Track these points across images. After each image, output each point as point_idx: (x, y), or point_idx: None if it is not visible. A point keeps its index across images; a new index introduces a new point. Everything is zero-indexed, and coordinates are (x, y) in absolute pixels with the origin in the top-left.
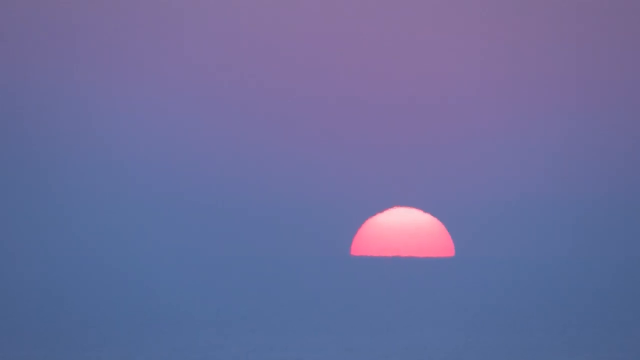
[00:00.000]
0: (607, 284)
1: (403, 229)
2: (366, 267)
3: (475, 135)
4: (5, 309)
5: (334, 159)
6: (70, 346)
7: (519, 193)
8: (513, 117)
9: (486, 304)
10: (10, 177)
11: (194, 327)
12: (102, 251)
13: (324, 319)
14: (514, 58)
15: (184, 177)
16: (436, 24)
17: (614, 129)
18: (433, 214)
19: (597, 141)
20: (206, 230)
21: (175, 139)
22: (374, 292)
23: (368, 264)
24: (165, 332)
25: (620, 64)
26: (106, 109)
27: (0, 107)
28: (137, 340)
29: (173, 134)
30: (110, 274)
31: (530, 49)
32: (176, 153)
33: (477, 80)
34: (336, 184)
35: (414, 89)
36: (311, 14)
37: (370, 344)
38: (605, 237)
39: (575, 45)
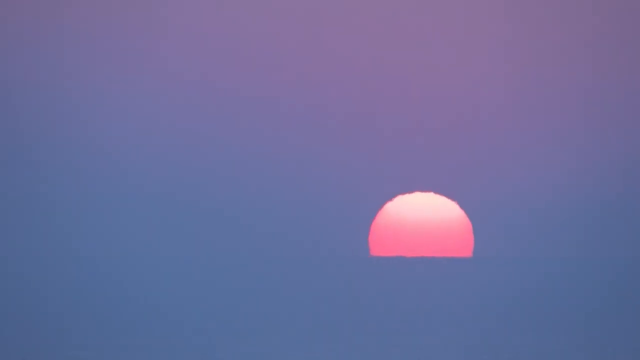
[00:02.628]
0: (635, 285)
1: (424, 222)
2: (387, 269)
3: (517, 127)
4: (4, 309)
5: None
6: (69, 348)
7: (555, 193)
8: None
9: (510, 306)
10: (7, 175)
11: (208, 330)
12: (108, 251)
13: (341, 323)
14: (557, 53)
15: (191, 177)
16: (469, 9)
17: None
18: (455, 201)
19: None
20: (209, 232)
21: (185, 137)
22: (403, 295)
23: (389, 265)
24: (178, 338)
25: None
26: (104, 107)
27: None
28: (150, 346)
29: (184, 132)
30: (128, 277)
31: (570, 47)
32: (185, 152)
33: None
34: (345, 173)
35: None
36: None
37: (393, 349)
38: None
39: (611, 47)
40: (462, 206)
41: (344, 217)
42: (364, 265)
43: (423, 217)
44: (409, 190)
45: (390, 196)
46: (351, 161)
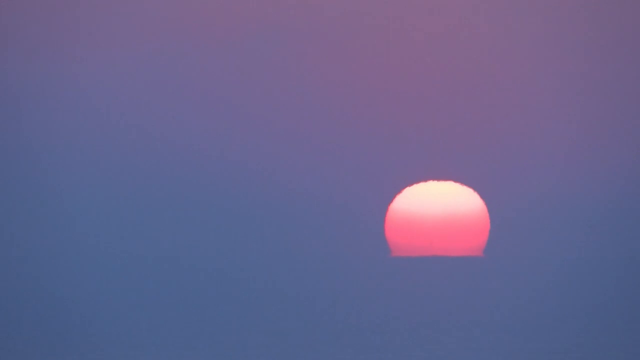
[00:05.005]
0: None
1: (442, 215)
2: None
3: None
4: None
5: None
6: (68, 349)
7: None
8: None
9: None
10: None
11: (222, 334)
12: (110, 250)
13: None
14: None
15: (201, 177)
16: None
17: None
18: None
19: None
20: (210, 233)
21: (195, 135)
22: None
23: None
24: (192, 341)
25: None
26: (105, 106)
27: None
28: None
29: (195, 131)
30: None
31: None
32: (196, 151)
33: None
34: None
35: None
36: None
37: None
38: None
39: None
40: (483, 197)
41: (357, 210)
42: (384, 267)
43: (441, 210)
44: (424, 179)
45: (404, 185)
46: (357, 152)
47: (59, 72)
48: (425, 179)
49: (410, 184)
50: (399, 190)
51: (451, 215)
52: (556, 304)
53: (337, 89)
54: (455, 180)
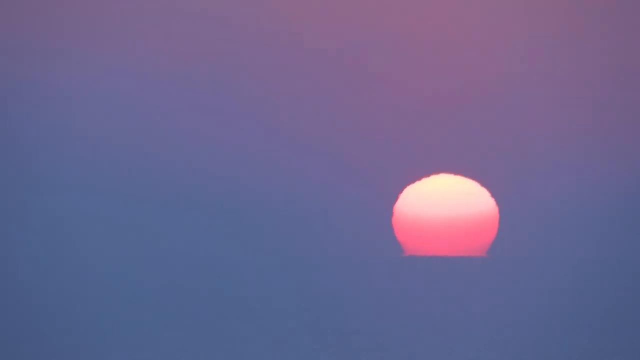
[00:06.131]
0: None
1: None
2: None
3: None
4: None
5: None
6: (68, 349)
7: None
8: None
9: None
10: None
11: (228, 335)
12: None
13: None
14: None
15: (206, 177)
16: None
17: None
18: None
19: None
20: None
21: (202, 134)
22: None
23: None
24: (200, 342)
25: None
26: (100, 105)
27: None
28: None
29: (199, 129)
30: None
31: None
32: (202, 150)
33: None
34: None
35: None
36: None
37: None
38: None
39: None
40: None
41: (364, 206)
42: (391, 267)
43: (449, 208)
44: (430, 173)
45: (409, 181)
46: (364, 147)
47: (56, 73)
48: (434, 173)
49: (417, 179)
50: (404, 186)
51: (458, 213)
52: (565, 306)
53: (339, 84)
54: (465, 175)
